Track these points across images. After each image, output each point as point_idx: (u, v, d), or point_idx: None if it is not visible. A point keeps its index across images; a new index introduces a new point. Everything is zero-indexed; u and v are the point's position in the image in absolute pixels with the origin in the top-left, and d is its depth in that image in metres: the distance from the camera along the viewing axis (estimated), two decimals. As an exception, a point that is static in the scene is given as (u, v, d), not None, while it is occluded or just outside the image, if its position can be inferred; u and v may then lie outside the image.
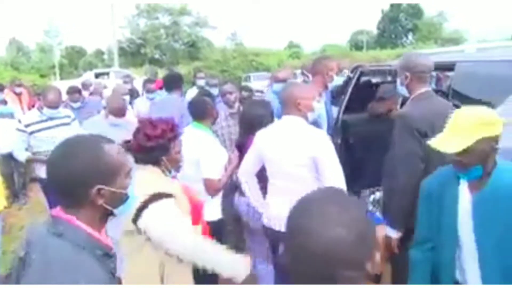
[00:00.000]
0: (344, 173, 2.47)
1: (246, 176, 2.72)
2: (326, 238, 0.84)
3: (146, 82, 6.39)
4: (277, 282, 2.79)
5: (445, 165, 2.49)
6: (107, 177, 1.20)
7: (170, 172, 2.11)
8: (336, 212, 0.88)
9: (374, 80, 4.65)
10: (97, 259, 1.16)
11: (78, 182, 1.17)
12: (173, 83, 4.76)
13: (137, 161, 2.02)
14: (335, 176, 2.37)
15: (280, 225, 2.47)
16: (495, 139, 1.64)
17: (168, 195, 1.93)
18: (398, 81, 2.65)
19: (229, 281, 1.98)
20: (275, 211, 2.53)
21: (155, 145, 1.98)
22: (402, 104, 3.32)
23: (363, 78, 4.40)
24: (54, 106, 3.87)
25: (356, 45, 47.47)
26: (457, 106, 2.57)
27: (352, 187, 3.44)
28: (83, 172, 1.16)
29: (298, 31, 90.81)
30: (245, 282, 1.93)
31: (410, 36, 49.46)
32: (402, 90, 2.64)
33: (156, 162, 2.03)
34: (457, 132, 1.66)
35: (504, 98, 3.09)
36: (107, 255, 1.22)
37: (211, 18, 46.97)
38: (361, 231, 0.87)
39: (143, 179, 1.93)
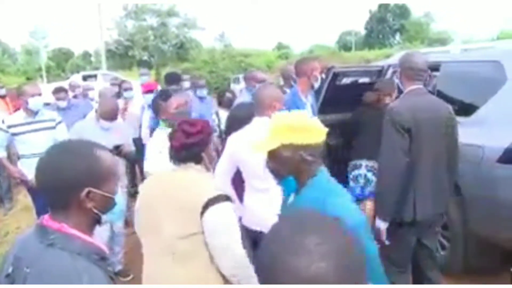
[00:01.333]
0: None
1: (221, 180, 2.69)
2: (307, 276, 0.71)
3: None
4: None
5: (437, 159, 2.56)
6: (97, 180, 1.20)
7: (208, 170, 2.11)
8: (315, 243, 0.74)
9: (349, 81, 4.73)
10: (95, 264, 1.15)
11: (69, 183, 1.16)
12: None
13: (175, 161, 2.01)
14: None
15: (257, 225, 2.52)
16: (307, 149, 1.45)
17: (228, 198, 1.92)
18: (397, 75, 2.77)
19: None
20: (252, 212, 2.59)
21: (196, 140, 1.99)
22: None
23: (337, 80, 4.49)
24: (37, 94, 3.81)
25: (345, 46, 47.80)
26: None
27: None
28: (74, 173, 1.16)
29: (287, 32, 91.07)
30: None
31: (397, 36, 49.93)
32: (399, 84, 2.76)
33: (197, 159, 2.02)
34: (267, 135, 1.52)
35: (488, 98, 3.14)
36: (103, 259, 1.22)
37: (199, 19, 46.79)
38: (345, 262, 0.74)
39: (193, 178, 1.94)
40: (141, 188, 2.08)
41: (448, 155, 2.62)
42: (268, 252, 0.77)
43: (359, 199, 4.07)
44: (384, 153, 2.55)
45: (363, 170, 4.06)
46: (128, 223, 4.21)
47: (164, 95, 3.43)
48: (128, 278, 3.88)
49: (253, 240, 2.70)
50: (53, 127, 3.94)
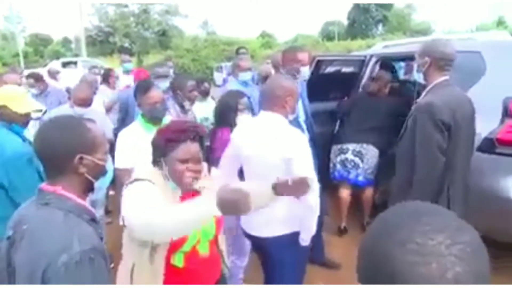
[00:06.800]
0: None
1: (226, 176, 2.43)
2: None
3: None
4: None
5: (468, 158, 2.43)
6: (88, 148, 1.33)
7: None
8: (446, 244, 0.62)
9: (332, 69, 4.73)
10: (85, 222, 1.28)
11: (63, 150, 1.29)
12: None
13: None
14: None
15: (251, 228, 2.34)
16: None
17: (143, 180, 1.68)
18: (415, 66, 2.54)
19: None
20: (251, 215, 2.33)
21: None
22: (418, 94, 3.22)
23: (321, 68, 4.50)
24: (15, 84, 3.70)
25: (328, 36, 47.81)
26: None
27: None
28: (67, 141, 1.29)
29: (271, 21, 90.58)
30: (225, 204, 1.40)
31: (380, 27, 50.20)
32: (419, 76, 2.52)
33: None
34: None
35: (469, 88, 3.17)
36: (94, 220, 1.34)
37: (182, 6, 46.11)
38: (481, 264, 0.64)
39: None
40: None
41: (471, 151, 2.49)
42: (387, 259, 0.63)
43: (345, 182, 4.18)
44: (420, 153, 2.32)
45: (350, 155, 4.09)
46: (109, 211, 4.13)
47: (145, 87, 3.26)
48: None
49: (255, 245, 2.49)
50: (40, 118, 3.83)
